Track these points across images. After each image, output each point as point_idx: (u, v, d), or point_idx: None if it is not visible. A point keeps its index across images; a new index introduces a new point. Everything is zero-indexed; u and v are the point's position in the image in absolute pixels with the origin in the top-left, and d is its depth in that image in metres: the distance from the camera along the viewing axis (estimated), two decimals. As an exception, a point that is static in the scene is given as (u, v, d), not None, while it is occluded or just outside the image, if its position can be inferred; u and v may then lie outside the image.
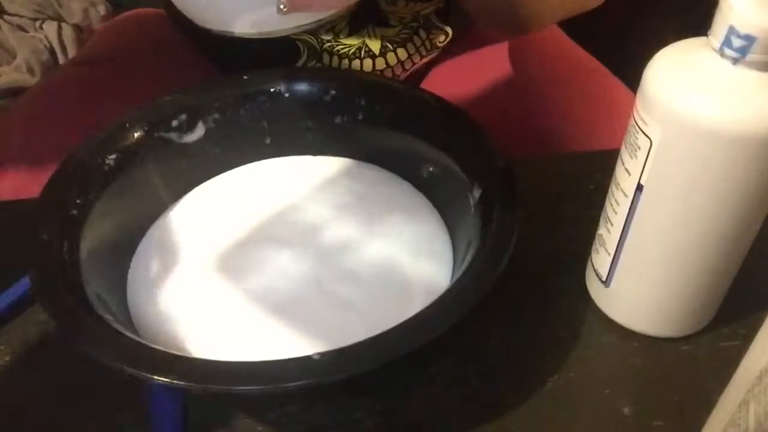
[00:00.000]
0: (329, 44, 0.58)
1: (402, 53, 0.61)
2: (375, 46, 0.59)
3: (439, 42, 0.63)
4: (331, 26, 0.57)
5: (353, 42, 0.58)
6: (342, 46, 0.58)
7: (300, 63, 0.59)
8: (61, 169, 0.39)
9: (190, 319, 0.37)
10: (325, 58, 0.59)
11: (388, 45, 0.59)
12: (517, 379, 0.37)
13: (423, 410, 0.36)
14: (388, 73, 0.62)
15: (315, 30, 0.56)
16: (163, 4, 0.68)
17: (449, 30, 0.63)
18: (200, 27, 0.35)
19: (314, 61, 0.59)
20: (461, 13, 0.63)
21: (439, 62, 0.66)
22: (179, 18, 0.65)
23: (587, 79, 0.61)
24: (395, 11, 0.58)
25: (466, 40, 0.66)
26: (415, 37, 0.61)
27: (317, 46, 0.57)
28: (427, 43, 0.62)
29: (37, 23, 1.12)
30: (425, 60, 0.64)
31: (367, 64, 0.60)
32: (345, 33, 0.58)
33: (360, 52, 0.59)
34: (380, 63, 0.61)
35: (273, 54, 0.58)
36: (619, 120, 0.55)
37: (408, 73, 0.63)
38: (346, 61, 0.59)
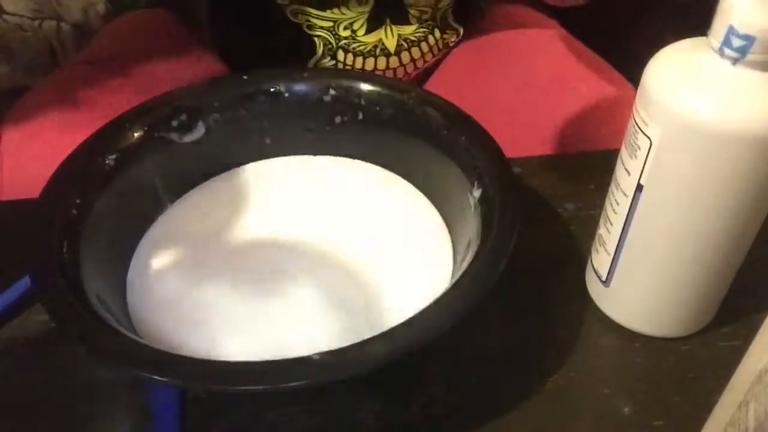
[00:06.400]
0: (345, 41, 0.58)
1: (416, 52, 0.61)
2: (391, 44, 0.59)
3: (451, 42, 0.64)
4: (350, 23, 0.57)
5: (370, 39, 0.58)
6: (358, 44, 0.58)
7: (314, 59, 0.59)
8: (61, 169, 0.39)
9: (190, 318, 0.37)
10: (340, 55, 0.59)
11: (404, 43, 0.60)
12: (517, 379, 0.37)
13: (423, 410, 0.36)
14: (401, 72, 0.62)
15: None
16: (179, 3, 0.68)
17: (461, 29, 0.63)
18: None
19: (329, 58, 0.59)
20: (475, 9, 0.64)
21: (444, 62, 0.67)
22: (194, 14, 0.66)
23: (590, 78, 0.61)
24: (415, 3, 0.58)
25: (470, 39, 0.66)
26: (430, 37, 0.61)
27: (333, 42, 0.58)
28: (440, 42, 0.62)
29: (36, 22, 1.11)
30: (435, 59, 0.64)
31: (381, 62, 0.60)
32: (363, 30, 0.58)
33: (376, 50, 0.59)
34: (394, 62, 0.61)
35: (288, 48, 0.59)
36: (621, 119, 0.55)
37: (418, 71, 0.64)
38: (360, 59, 0.60)
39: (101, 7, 1.14)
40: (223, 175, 0.45)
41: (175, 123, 0.43)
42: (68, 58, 1.09)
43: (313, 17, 0.57)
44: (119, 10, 0.90)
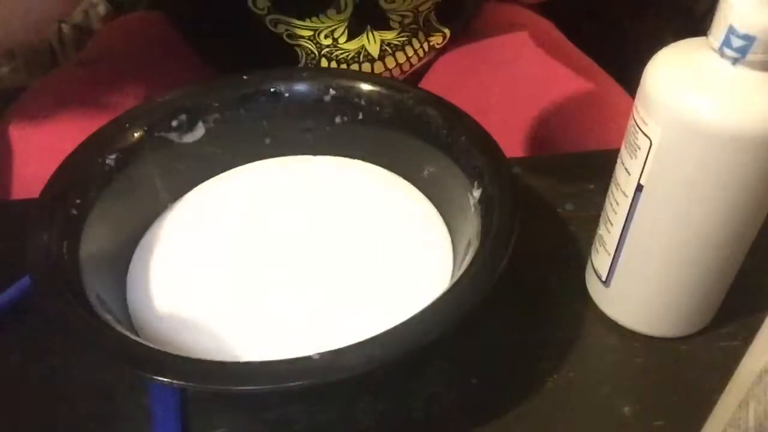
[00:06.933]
0: (328, 49, 0.58)
1: (401, 56, 0.61)
2: (374, 49, 0.59)
3: (437, 44, 0.63)
4: (331, 31, 0.57)
5: (352, 46, 0.58)
6: (341, 51, 0.58)
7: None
8: (61, 169, 0.39)
9: (190, 319, 0.37)
10: (323, 63, 0.59)
11: (387, 48, 0.59)
12: (517, 379, 0.37)
13: (423, 410, 0.36)
14: (387, 76, 0.62)
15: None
16: (164, 9, 0.68)
17: (447, 31, 0.63)
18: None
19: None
20: (460, 11, 0.64)
21: (437, 63, 0.66)
22: (180, 21, 0.66)
23: (585, 79, 0.61)
24: (395, 8, 0.58)
25: (463, 40, 0.66)
26: (414, 40, 0.61)
27: (316, 51, 0.57)
28: (425, 45, 0.62)
29: (37, 23, 1.11)
30: (422, 62, 0.64)
31: (366, 68, 0.60)
32: (344, 37, 0.57)
33: (359, 56, 0.59)
34: (378, 67, 0.61)
35: (271, 58, 0.58)
36: (618, 120, 0.55)
37: (405, 74, 0.63)
38: (344, 66, 0.59)
39: (102, 8, 1.14)
40: (222, 175, 0.45)
41: (175, 123, 0.43)
42: (68, 58, 1.10)
43: (293, 26, 0.56)
44: (119, 11, 0.90)
